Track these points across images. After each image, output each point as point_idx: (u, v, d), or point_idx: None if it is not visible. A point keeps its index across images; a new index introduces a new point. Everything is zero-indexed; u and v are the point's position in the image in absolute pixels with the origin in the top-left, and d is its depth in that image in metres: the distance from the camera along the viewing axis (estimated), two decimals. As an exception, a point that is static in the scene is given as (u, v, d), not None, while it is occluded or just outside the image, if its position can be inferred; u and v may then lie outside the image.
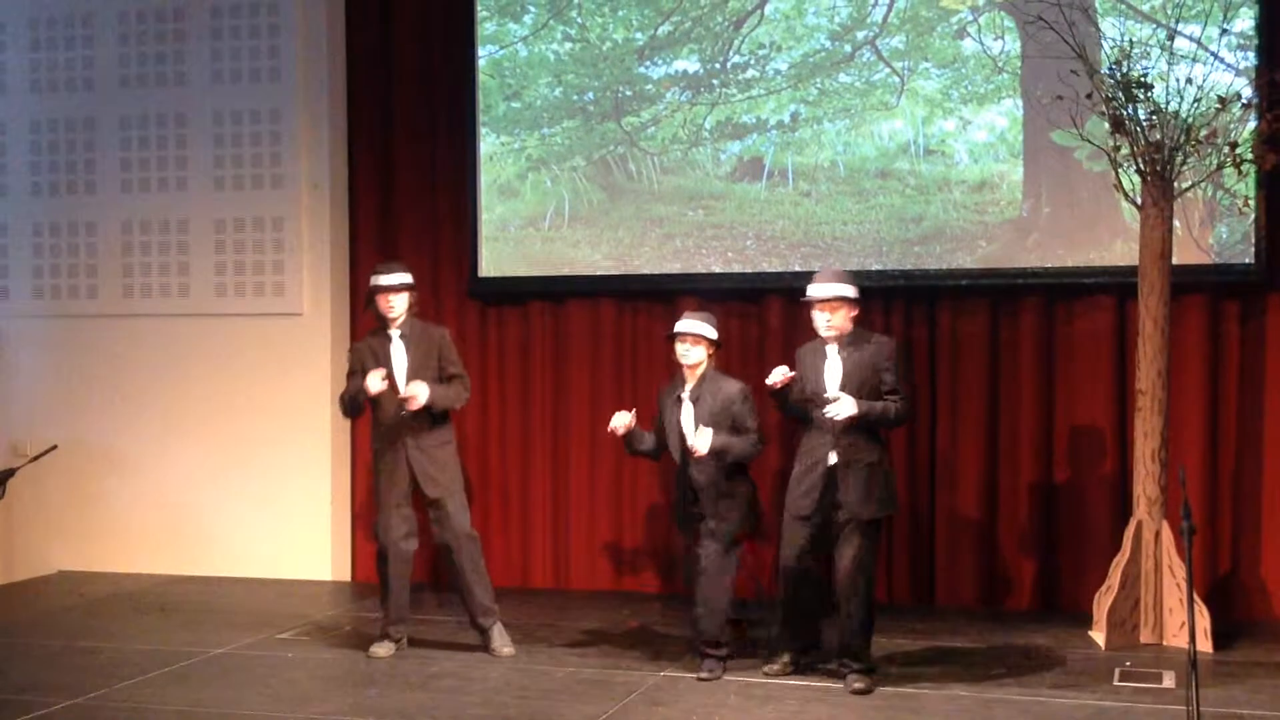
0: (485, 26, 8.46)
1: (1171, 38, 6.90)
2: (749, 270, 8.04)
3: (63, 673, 6.47)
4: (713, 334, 6.31)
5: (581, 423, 8.37)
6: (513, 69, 8.45)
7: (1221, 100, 6.71)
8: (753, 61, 8.05)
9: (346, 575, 8.73)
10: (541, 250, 8.39)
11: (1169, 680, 6.15)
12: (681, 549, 6.53)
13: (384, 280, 6.63)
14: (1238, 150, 6.69)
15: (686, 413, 6.27)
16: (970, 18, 7.73)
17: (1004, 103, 7.68)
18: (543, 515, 8.47)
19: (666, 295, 8.09)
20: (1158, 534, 6.79)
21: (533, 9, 8.41)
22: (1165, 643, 6.78)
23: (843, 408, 5.88)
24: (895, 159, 7.84)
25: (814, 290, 6.08)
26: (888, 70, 7.85)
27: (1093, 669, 6.39)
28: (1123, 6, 7.43)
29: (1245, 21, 7.28)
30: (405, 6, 8.66)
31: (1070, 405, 7.66)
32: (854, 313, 6.10)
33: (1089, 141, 6.98)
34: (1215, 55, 7.11)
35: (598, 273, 8.30)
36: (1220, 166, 6.78)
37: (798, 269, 7.91)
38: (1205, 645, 6.59)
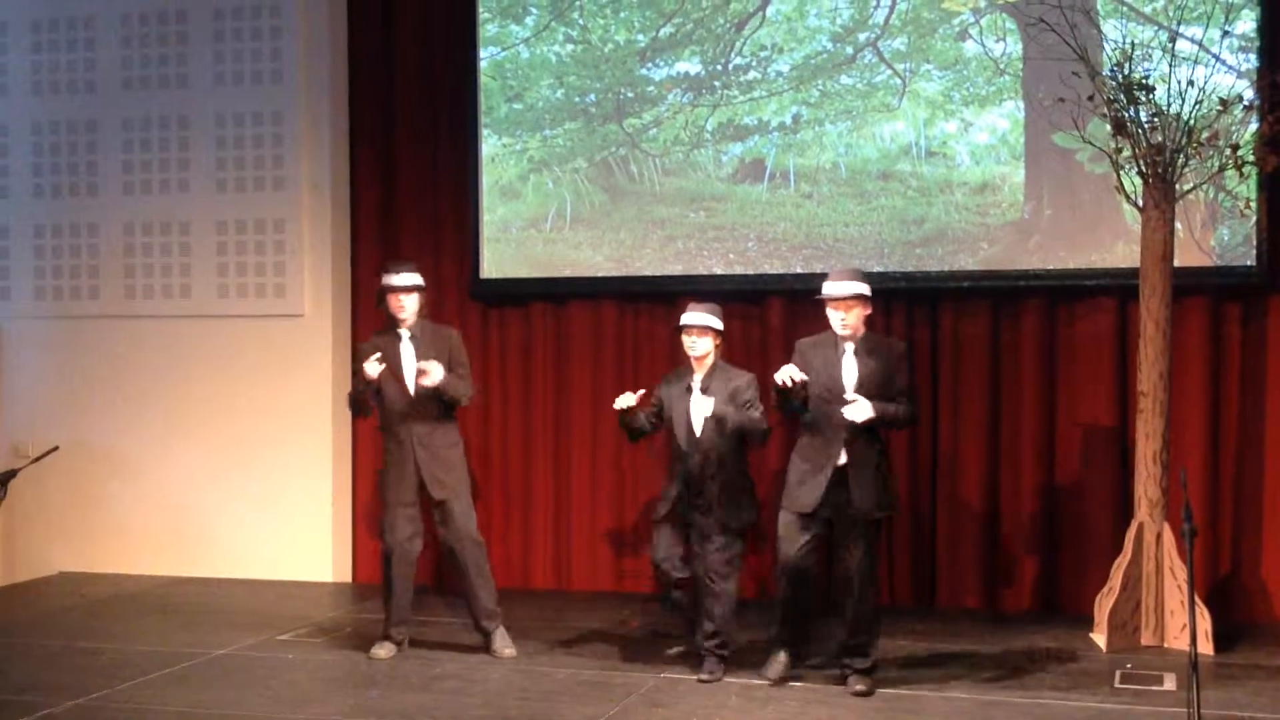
0: (487, 28, 8.47)
1: (1173, 40, 6.90)
2: (750, 272, 8.04)
3: (64, 673, 6.47)
4: (719, 325, 6.36)
5: (583, 424, 8.37)
6: (514, 70, 8.46)
7: (1223, 102, 6.72)
8: (754, 63, 8.05)
9: (347, 577, 8.74)
10: (543, 252, 8.40)
11: (1170, 682, 6.14)
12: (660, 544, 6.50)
13: (395, 280, 6.64)
14: (1239, 152, 6.69)
15: (697, 402, 6.28)
16: (972, 19, 7.73)
17: (1006, 105, 7.68)
18: (544, 516, 8.47)
19: (668, 297, 8.09)
20: (1159, 536, 6.78)
21: (534, 11, 8.41)
22: (1166, 645, 6.77)
23: (862, 411, 5.87)
24: (897, 161, 7.84)
25: (831, 288, 6.04)
26: (889, 72, 7.85)
27: (1094, 671, 6.39)
28: (1124, 9, 7.43)
29: (1247, 23, 7.28)
30: (407, 8, 8.67)
31: (1072, 407, 7.66)
32: (868, 312, 6.08)
33: (1091, 143, 6.98)
34: (1217, 57, 7.11)
35: (599, 274, 8.30)
36: (1222, 169, 6.78)
37: (799, 270, 7.92)
38: (1206, 647, 6.59)
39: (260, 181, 8.74)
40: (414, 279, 6.67)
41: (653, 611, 7.54)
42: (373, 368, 6.50)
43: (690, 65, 8.16)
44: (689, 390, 6.33)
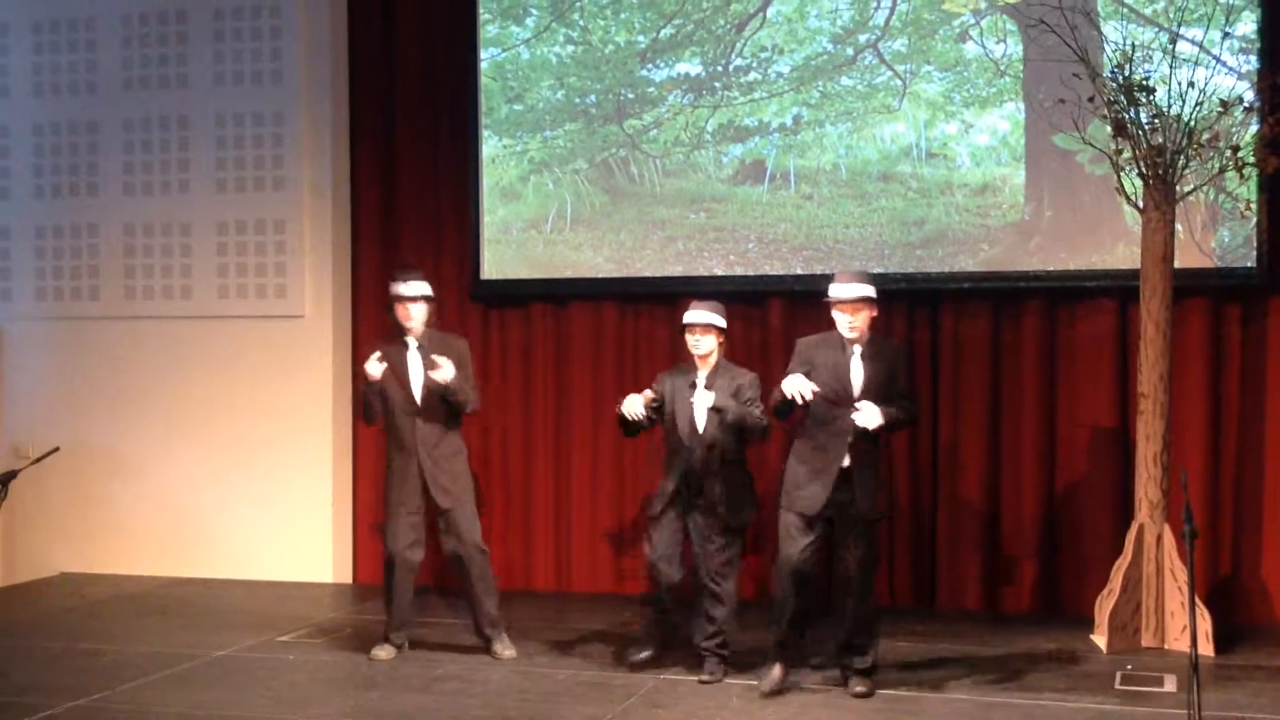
0: (487, 29, 8.47)
1: (1173, 41, 6.91)
2: (751, 273, 8.04)
3: (64, 674, 6.47)
4: (722, 323, 6.37)
5: (583, 425, 8.37)
6: (515, 71, 8.46)
7: (1223, 104, 6.72)
8: (755, 64, 8.05)
9: (348, 578, 8.74)
10: (543, 253, 8.40)
11: (1170, 684, 6.14)
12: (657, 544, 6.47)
13: (404, 290, 6.64)
14: (1240, 154, 6.69)
15: (700, 396, 6.28)
16: (972, 21, 7.73)
17: (1006, 106, 7.69)
18: (544, 518, 8.47)
19: (668, 298, 8.09)
20: (1159, 537, 6.78)
21: (535, 12, 8.41)
22: (1167, 646, 6.77)
23: (873, 418, 5.85)
24: (897, 162, 7.84)
25: (838, 291, 5.99)
26: (890, 73, 7.85)
27: (1094, 672, 6.39)
28: (1125, 10, 7.43)
29: (1247, 25, 7.28)
30: (407, 8, 8.67)
31: (1072, 408, 7.66)
32: (874, 314, 6.06)
33: (1091, 145, 6.98)
34: (1217, 59, 7.11)
35: (600, 275, 8.30)
36: (1222, 170, 6.78)
37: (799, 272, 7.93)
38: (1207, 649, 6.59)
39: (261, 182, 8.75)
40: (422, 289, 6.66)
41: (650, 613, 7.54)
42: (374, 367, 6.51)
43: (691, 66, 8.16)
44: (693, 386, 6.33)
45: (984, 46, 7.71)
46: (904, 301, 7.82)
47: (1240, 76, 7.21)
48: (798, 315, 7.88)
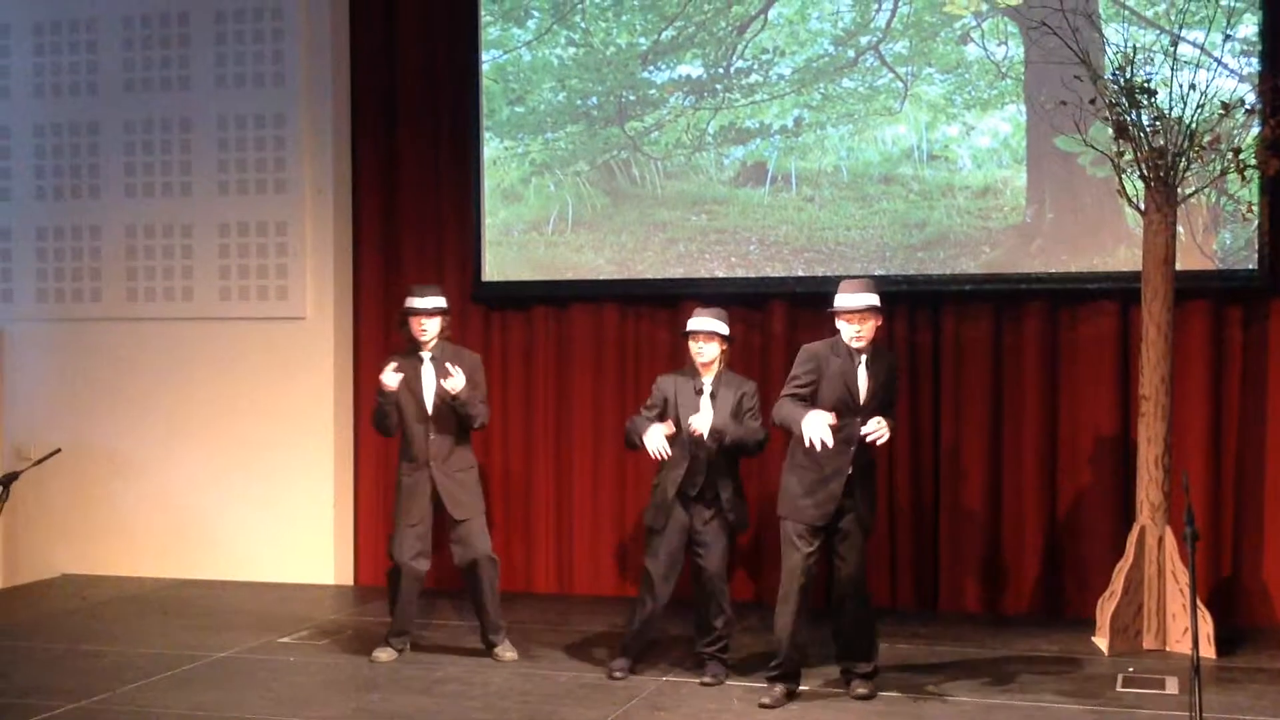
0: (489, 31, 8.47)
1: (1175, 43, 6.91)
2: (752, 275, 8.04)
3: (66, 676, 6.47)
4: (725, 330, 6.35)
5: (584, 427, 8.37)
6: (516, 74, 8.46)
7: (1225, 106, 6.72)
8: (756, 66, 8.06)
9: (349, 579, 8.74)
10: (545, 255, 8.40)
11: (1172, 686, 6.14)
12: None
13: (418, 303, 6.63)
14: (1241, 156, 6.69)
15: (705, 408, 6.27)
16: (974, 23, 7.74)
17: (1007, 108, 7.69)
18: (546, 520, 8.47)
19: (670, 300, 8.10)
20: (1161, 539, 6.78)
21: (536, 14, 8.42)
22: (1168, 648, 6.77)
23: (886, 434, 5.83)
24: (899, 164, 7.84)
25: (846, 300, 5.89)
26: (891, 75, 7.85)
27: (1095, 675, 6.39)
28: (1126, 12, 7.43)
29: (1249, 27, 7.28)
30: (409, 11, 8.67)
31: (1073, 411, 7.66)
32: (879, 322, 5.99)
33: (1092, 147, 6.99)
34: (1219, 61, 7.11)
35: (601, 277, 8.30)
36: (1224, 172, 6.78)
37: (800, 274, 7.93)
38: (1208, 651, 6.58)
39: (262, 184, 8.75)
40: (436, 302, 6.65)
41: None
42: (390, 378, 6.50)
43: (692, 68, 8.17)
44: (698, 393, 6.32)
45: (985, 49, 7.71)
46: (905, 304, 7.82)
47: (1241, 79, 7.21)
48: (799, 317, 7.89)
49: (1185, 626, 6.66)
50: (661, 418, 6.37)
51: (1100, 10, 7.42)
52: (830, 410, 5.81)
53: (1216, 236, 7.41)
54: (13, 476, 6.38)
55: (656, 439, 6.24)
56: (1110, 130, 6.77)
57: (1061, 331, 7.69)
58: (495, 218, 8.47)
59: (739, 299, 7.92)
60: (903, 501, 7.88)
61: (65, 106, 9.08)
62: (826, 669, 6.33)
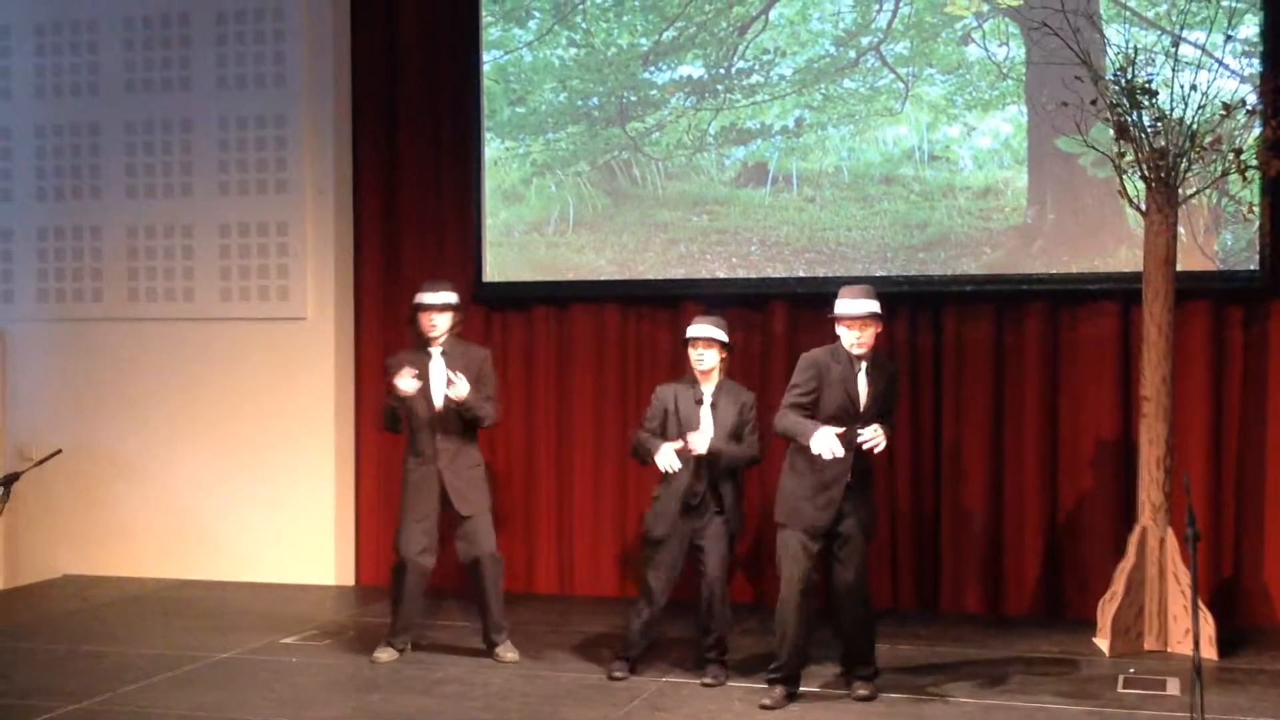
0: (490, 32, 8.47)
1: (1176, 44, 6.91)
2: (753, 276, 8.04)
3: (67, 677, 6.47)
4: (725, 337, 6.36)
5: (585, 428, 8.37)
6: (517, 74, 8.46)
7: (1226, 107, 6.71)
8: (757, 67, 8.06)
9: (350, 580, 8.74)
10: (546, 255, 8.40)
11: (1173, 687, 6.14)
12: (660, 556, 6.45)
13: (428, 299, 6.63)
14: (1242, 156, 6.69)
15: (706, 422, 6.27)
16: (975, 24, 7.73)
17: (1008, 109, 7.69)
18: (547, 521, 8.47)
19: (671, 301, 8.10)
20: (1162, 540, 6.78)
21: (538, 14, 8.42)
22: (1170, 649, 6.77)
23: (880, 441, 5.81)
24: (900, 165, 7.84)
25: (847, 307, 5.88)
26: (892, 76, 7.85)
27: (1097, 676, 6.39)
28: (1127, 13, 7.43)
29: (1250, 28, 7.28)
30: (410, 12, 8.67)
31: (1075, 411, 7.66)
32: (879, 329, 5.98)
33: (1094, 148, 6.98)
34: (1220, 62, 7.11)
35: (602, 278, 8.30)
36: (1225, 173, 6.78)
37: (801, 274, 7.93)
38: (1209, 652, 6.58)
39: (263, 185, 8.75)
40: (446, 297, 6.65)
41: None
42: (408, 384, 6.49)
43: (693, 69, 8.17)
44: (699, 403, 6.32)
45: (986, 49, 7.71)
46: (906, 304, 7.82)
47: (1243, 80, 7.21)
48: (800, 318, 7.89)
49: (1186, 628, 6.66)
50: (662, 430, 6.36)
51: (1101, 11, 7.41)
52: (831, 417, 5.82)
53: (1218, 237, 7.41)
54: (14, 477, 6.38)
55: (668, 457, 6.23)
56: (1111, 131, 6.77)
57: (1062, 332, 7.69)
58: (496, 218, 8.48)
59: (740, 300, 7.94)
60: (904, 503, 7.88)
61: (66, 107, 9.08)
62: (827, 670, 6.33)
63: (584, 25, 8.36)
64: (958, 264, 7.74)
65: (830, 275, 7.69)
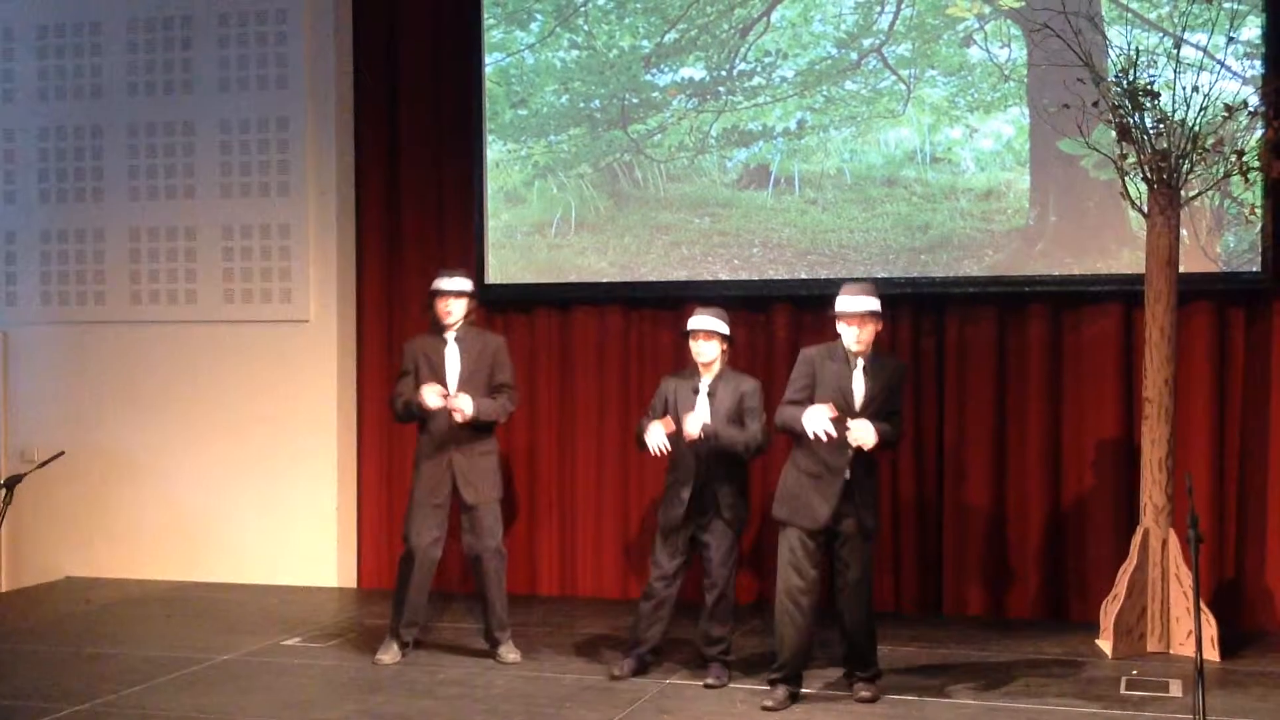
0: (492, 34, 8.48)
1: (1178, 46, 6.91)
2: (755, 278, 8.04)
3: (69, 678, 6.47)
4: (726, 329, 6.35)
5: (588, 430, 8.37)
6: (519, 76, 8.47)
7: (1228, 108, 6.71)
8: (759, 69, 8.06)
9: (352, 582, 8.74)
10: (548, 257, 8.40)
11: (1176, 689, 6.14)
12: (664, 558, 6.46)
13: (444, 285, 6.66)
14: (1244, 158, 6.69)
15: (702, 407, 6.27)
16: (976, 25, 7.74)
17: (1010, 111, 7.69)
18: (549, 522, 8.47)
19: (673, 302, 8.10)
20: (1165, 542, 6.78)
21: (540, 17, 8.43)
22: (1172, 651, 6.77)
23: (867, 436, 5.81)
24: (902, 167, 7.84)
25: (847, 304, 5.90)
26: (894, 78, 7.85)
27: (1099, 678, 6.39)
28: (1129, 15, 7.43)
29: (1252, 30, 7.28)
30: (412, 14, 8.68)
31: (1077, 413, 7.65)
32: (879, 328, 6.00)
33: (1096, 150, 6.99)
34: (1222, 64, 7.11)
35: (604, 280, 8.31)
36: (1227, 175, 6.78)
37: (804, 276, 7.93)
38: (1212, 654, 6.58)
39: (265, 187, 8.76)
40: (463, 284, 6.69)
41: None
42: (433, 400, 6.48)
43: (695, 71, 8.17)
44: (695, 392, 6.33)
45: (988, 51, 7.72)
46: (909, 306, 7.82)
47: (1245, 81, 7.21)
48: (802, 320, 7.89)
49: (1189, 629, 6.66)
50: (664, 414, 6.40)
51: (1103, 12, 7.42)
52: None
53: (1220, 239, 7.41)
54: (16, 479, 6.39)
55: (656, 435, 6.27)
56: (1113, 133, 6.77)
57: (1065, 334, 7.69)
58: (498, 220, 8.48)
59: (742, 302, 7.93)
60: (906, 505, 7.88)
61: (69, 109, 9.09)
62: (829, 672, 6.33)
63: (586, 27, 8.36)
64: (960, 266, 7.74)
65: (832, 277, 7.69)
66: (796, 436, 5.95)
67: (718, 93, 8.14)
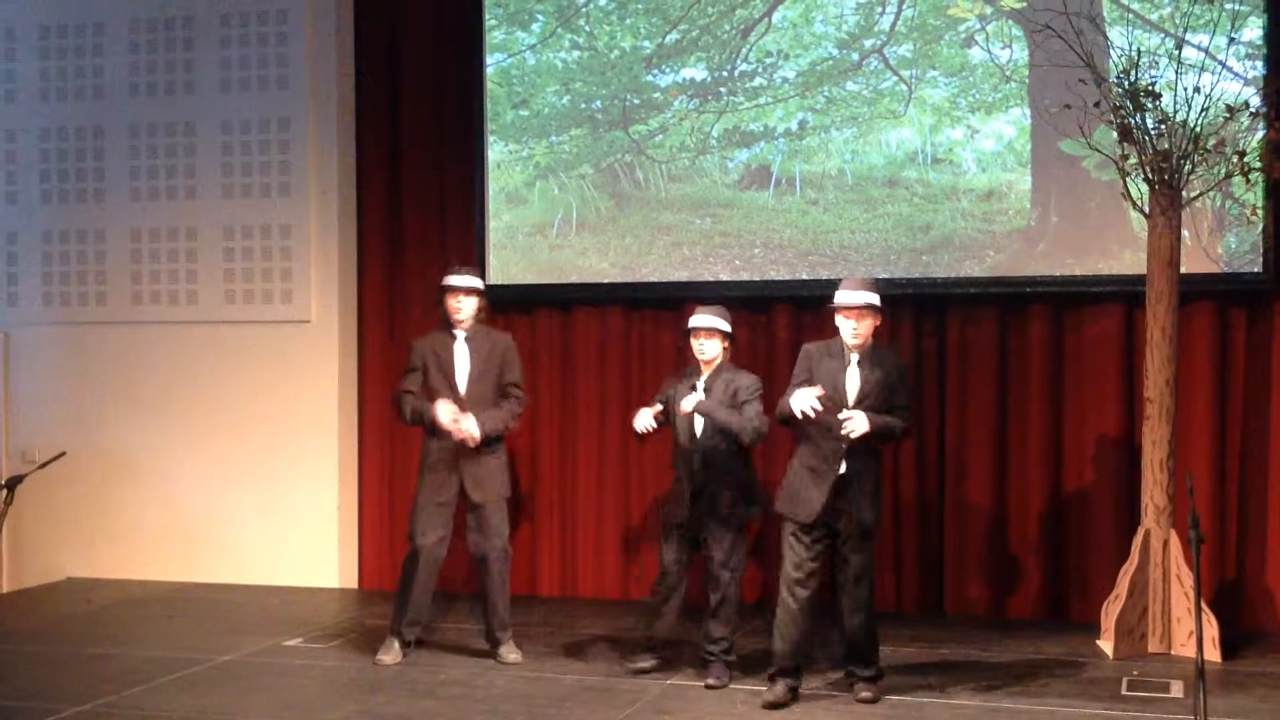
0: (494, 35, 8.48)
1: (1179, 47, 6.91)
2: (756, 278, 8.04)
3: (70, 679, 6.47)
4: (727, 327, 6.36)
5: (589, 431, 8.38)
6: (521, 77, 8.47)
7: (1229, 109, 6.71)
8: (760, 70, 8.06)
9: (353, 582, 8.74)
10: (549, 258, 8.40)
11: (1177, 689, 6.14)
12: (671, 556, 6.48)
13: (455, 280, 6.65)
14: (1246, 159, 6.69)
15: (686, 403, 6.27)
16: (978, 26, 7.74)
17: (1012, 111, 7.69)
18: (550, 523, 8.48)
19: (674, 303, 8.09)
20: (1166, 543, 6.78)
21: (541, 17, 8.43)
22: (1173, 652, 6.77)
23: (859, 425, 5.81)
24: (903, 167, 7.84)
25: (844, 297, 5.93)
26: (895, 79, 7.85)
27: (1101, 678, 6.39)
28: (1131, 15, 7.43)
29: (1253, 31, 7.28)
30: (413, 14, 8.68)
31: (1078, 414, 7.65)
32: (878, 322, 6.01)
33: (1097, 150, 6.98)
34: (1223, 64, 7.11)
35: (605, 280, 8.31)
36: (1228, 175, 6.78)
37: (805, 277, 7.93)
38: (1213, 654, 6.58)
39: (267, 187, 8.76)
40: (474, 281, 6.68)
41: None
42: (446, 416, 6.47)
43: (696, 72, 8.17)
44: (692, 389, 6.33)
45: (989, 52, 7.72)
46: (910, 307, 7.82)
47: (1246, 82, 7.21)
48: (803, 321, 7.89)
49: (1190, 630, 6.65)
50: (666, 415, 6.42)
51: (1104, 13, 7.42)
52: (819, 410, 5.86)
53: (1221, 239, 7.41)
54: (17, 480, 6.39)
55: (643, 419, 6.33)
56: (1115, 134, 6.77)
57: (1066, 335, 7.69)
58: (499, 221, 8.48)
59: (743, 302, 7.92)
60: (907, 505, 7.88)
61: (70, 110, 9.10)
62: (830, 672, 6.32)
63: (587, 28, 8.37)
64: (961, 267, 7.74)
65: (833, 278, 7.65)
66: (797, 431, 5.97)
67: (719, 93, 8.14)
